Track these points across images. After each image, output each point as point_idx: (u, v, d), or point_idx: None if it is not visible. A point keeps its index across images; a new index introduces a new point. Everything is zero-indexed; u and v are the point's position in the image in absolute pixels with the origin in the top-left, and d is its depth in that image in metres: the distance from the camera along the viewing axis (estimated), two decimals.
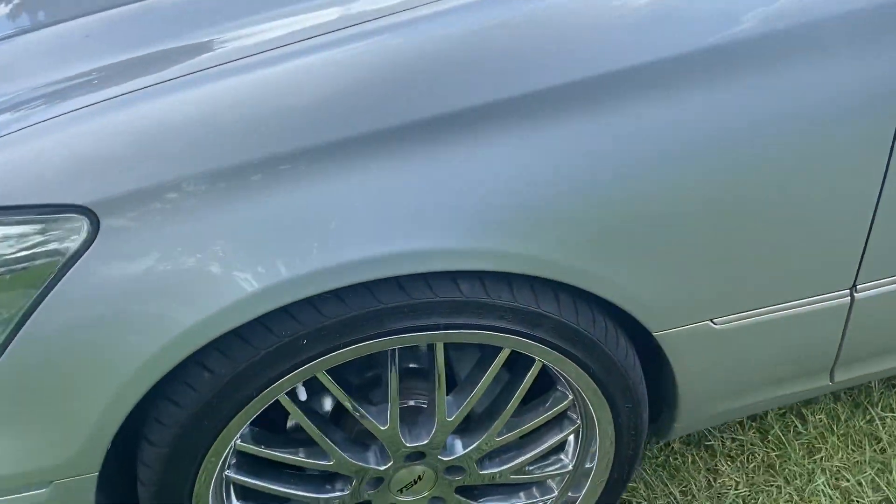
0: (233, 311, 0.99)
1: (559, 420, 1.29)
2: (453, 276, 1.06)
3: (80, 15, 1.17)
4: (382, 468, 1.22)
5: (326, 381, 1.10)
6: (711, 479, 1.62)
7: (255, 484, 1.19)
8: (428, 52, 0.99)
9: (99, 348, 1.00)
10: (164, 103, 0.98)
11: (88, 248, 0.96)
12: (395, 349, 1.11)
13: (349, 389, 1.15)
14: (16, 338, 0.97)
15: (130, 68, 1.06)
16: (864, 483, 1.58)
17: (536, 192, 1.02)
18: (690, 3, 1.02)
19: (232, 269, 0.98)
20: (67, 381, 1.01)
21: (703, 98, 1.03)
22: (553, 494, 1.37)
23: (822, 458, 1.63)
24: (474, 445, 1.23)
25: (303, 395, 1.16)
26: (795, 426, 1.70)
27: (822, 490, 1.57)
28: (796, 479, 1.60)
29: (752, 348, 1.27)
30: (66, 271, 0.96)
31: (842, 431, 1.68)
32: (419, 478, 1.25)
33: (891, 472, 1.59)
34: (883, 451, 1.64)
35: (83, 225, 0.96)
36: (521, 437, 1.27)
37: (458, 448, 1.24)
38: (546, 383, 1.26)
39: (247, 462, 1.20)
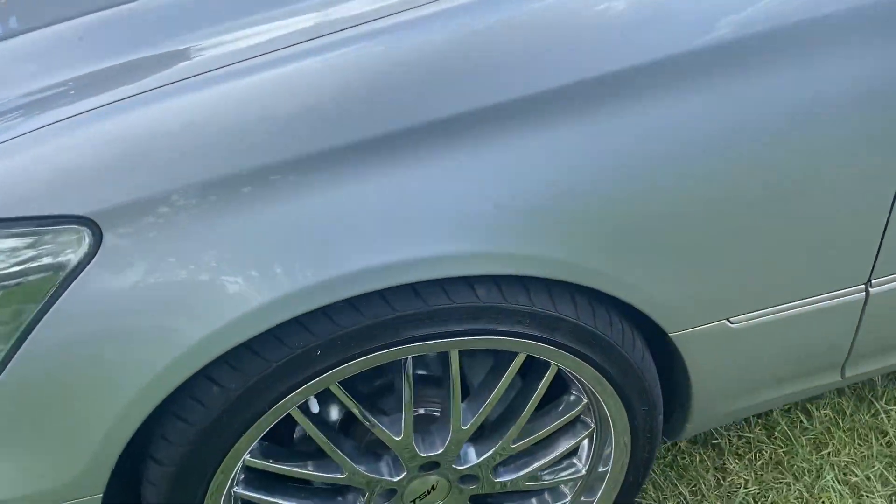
0: (243, 323, 0.96)
1: (573, 424, 1.27)
2: (469, 282, 1.03)
3: (69, 17, 1.12)
4: (396, 479, 1.18)
5: (340, 393, 1.07)
6: (720, 478, 1.61)
7: (265, 500, 1.16)
8: (432, 54, 0.96)
9: (104, 365, 0.96)
10: (161, 110, 0.94)
11: (91, 260, 0.92)
12: (408, 357, 1.08)
13: (358, 399, 1.12)
14: (16, 354, 0.93)
15: (125, 73, 1.02)
16: (872, 478, 1.57)
17: (553, 194, 1.00)
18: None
19: (242, 280, 0.95)
20: (71, 400, 0.97)
21: (715, 95, 1.01)
22: (566, 500, 1.35)
23: (829, 453, 1.63)
24: (490, 453, 1.20)
25: (315, 408, 1.13)
26: (801, 422, 1.69)
27: (832, 486, 1.56)
28: (805, 475, 1.59)
29: (766, 346, 1.25)
30: (68, 285, 0.92)
31: (847, 426, 1.67)
32: (432, 488, 1.22)
33: None
34: (889, 444, 1.64)
35: (85, 237, 0.92)
36: (534, 444, 1.24)
37: (473, 456, 1.21)
38: (558, 387, 1.23)
39: (255, 477, 1.16)
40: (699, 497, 1.58)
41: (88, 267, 0.92)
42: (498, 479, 1.25)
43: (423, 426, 1.19)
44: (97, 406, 0.98)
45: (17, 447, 0.99)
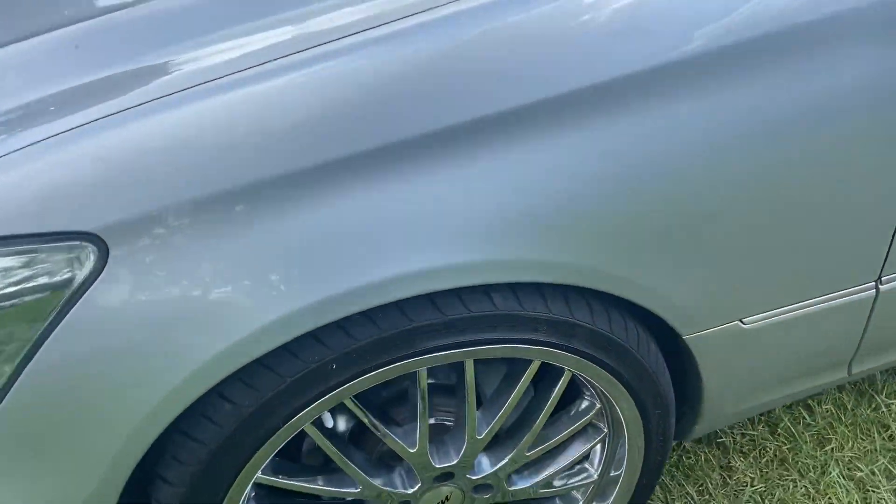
0: (257, 338, 0.93)
1: (585, 429, 1.25)
2: (486, 290, 1.01)
3: (61, 25, 1.08)
4: (410, 491, 1.16)
5: (354, 407, 1.04)
6: (727, 477, 1.60)
7: None
8: (432, 63, 0.94)
9: (113, 385, 0.92)
10: (164, 122, 0.91)
11: (97, 277, 0.89)
12: (423, 368, 1.05)
13: (368, 409, 1.09)
14: (21, 375, 0.90)
15: (122, 84, 0.98)
16: (877, 472, 1.58)
17: (568, 200, 0.98)
18: None
19: (255, 294, 0.92)
20: (79, 421, 0.94)
21: (723, 97, 1.00)
22: None
23: (833, 448, 1.63)
24: (505, 461, 1.18)
25: (329, 423, 1.10)
26: (804, 418, 1.69)
27: (838, 482, 1.56)
28: (810, 471, 1.59)
29: (777, 346, 1.25)
30: (75, 303, 0.89)
31: (849, 421, 1.68)
32: (446, 499, 1.20)
33: None
34: (892, 438, 1.65)
35: (90, 253, 0.88)
36: (548, 450, 1.23)
37: (487, 465, 1.19)
38: (568, 393, 1.21)
39: (265, 493, 1.14)
40: (706, 497, 1.57)
41: (94, 284, 0.89)
42: (513, 487, 1.23)
43: (436, 436, 1.17)
44: (106, 427, 0.95)
45: (24, 469, 0.96)
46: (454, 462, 1.15)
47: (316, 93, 0.92)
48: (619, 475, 1.29)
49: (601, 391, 1.17)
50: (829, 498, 1.54)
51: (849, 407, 1.71)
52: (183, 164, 0.90)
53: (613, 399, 1.18)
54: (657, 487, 1.57)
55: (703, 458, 1.63)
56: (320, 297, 0.93)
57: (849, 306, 1.23)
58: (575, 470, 1.30)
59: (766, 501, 1.55)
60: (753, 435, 1.67)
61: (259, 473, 1.06)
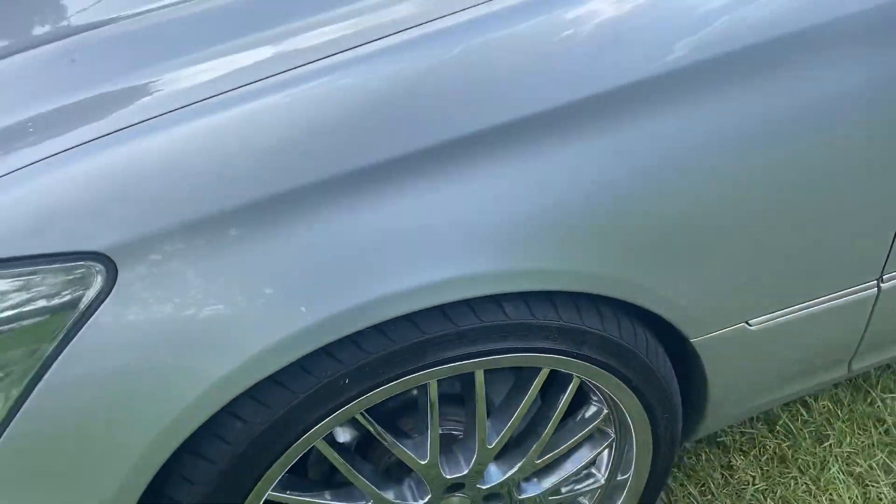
0: (270, 355, 0.91)
1: (593, 434, 1.25)
2: (497, 300, 1.00)
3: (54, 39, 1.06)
4: (421, 503, 1.15)
5: (366, 421, 1.03)
6: (728, 476, 1.61)
7: None
8: (433, 73, 0.93)
9: (123, 406, 0.90)
10: (168, 140, 0.89)
11: (106, 297, 0.87)
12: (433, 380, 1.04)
13: (376, 421, 1.08)
14: (30, 397, 0.87)
15: (119, 100, 0.96)
16: (875, 467, 1.59)
17: (578, 208, 0.98)
18: None
19: (267, 311, 0.90)
20: (88, 443, 0.92)
21: (728, 103, 0.99)
22: None
23: (831, 444, 1.64)
24: (515, 470, 1.17)
25: (341, 438, 1.09)
26: (801, 415, 1.70)
27: (838, 477, 1.57)
28: (810, 468, 1.60)
29: (782, 346, 1.25)
30: (83, 324, 0.87)
31: (846, 416, 1.69)
32: None
33: None
34: (888, 432, 1.66)
35: (98, 273, 0.86)
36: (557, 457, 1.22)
37: (498, 474, 1.18)
38: (575, 398, 1.21)
39: None
40: (709, 497, 1.58)
41: (103, 304, 0.87)
42: (522, 496, 1.22)
43: (444, 446, 1.15)
44: (116, 449, 0.93)
45: (32, 493, 0.93)
46: (465, 472, 1.14)
47: (322, 107, 0.91)
48: (627, 479, 1.29)
49: (609, 396, 1.17)
50: (830, 494, 1.56)
51: (845, 403, 1.72)
52: (190, 182, 0.88)
53: (622, 404, 1.17)
54: None
55: (703, 458, 1.64)
56: (332, 312, 0.92)
57: (851, 305, 1.24)
58: (582, 476, 1.30)
59: (769, 500, 1.56)
60: (752, 433, 1.68)
61: (270, 491, 1.05)
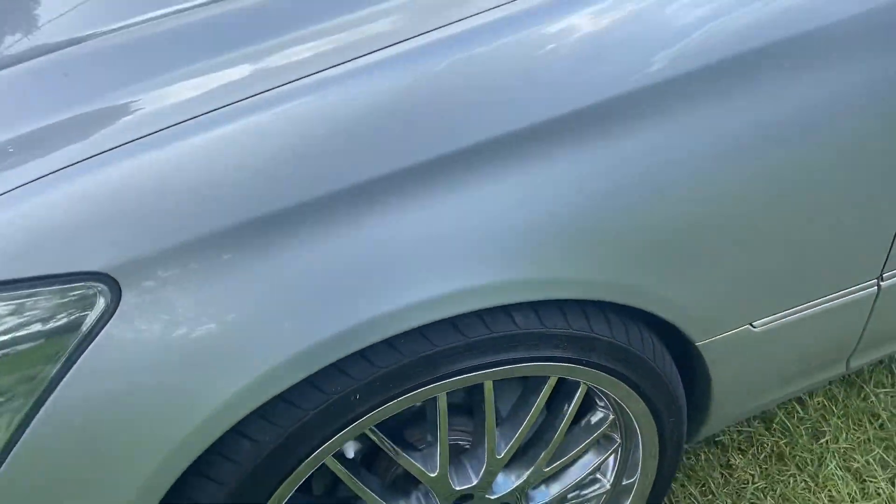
0: (280, 373, 0.89)
1: (598, 440, 1.24)
2: (507, 310, 0.99)
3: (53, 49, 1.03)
4: None
5: (376, 436, 1.01)
6: (727, 475, 1.61)
7: None
8: (426, 88, 0.91)
9: (129, 428, 0.88)
10: (170, 156, 0.86)
11: (110, 318, 0.84)
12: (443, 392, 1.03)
13: (381, 432, 1.07)
14: (33, 422, 0.84)
15: (117, 116, 0.94)
16: (872, 462, 1.60)
17: (585, 216, 0.97)
18: None
19: (276, 328, 0.88)
20: (93, 468, 0.89)
21: (726, 107, 0.99)
22: None
23: (827, 441, 1.65)
24: (524, 478, 1.16)
25: (350, 453, 1.07)
26: (797, 411, 1.71)
27: (836, 473, 1.58)
28: (808, 465, 1.61)
29: (785, 346, 1.26)
30: (87, 345, 0.84)
31: (841, 412, 1.70)
32: None
33: (895, 448, 1.62)
34: (883, 426, 1.68)
35: (101, 294, 0.84)
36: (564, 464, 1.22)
37: (507, 484, 1.17)
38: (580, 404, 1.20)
39: None
40: (710, 496, 1.58)
41: (108, 325, 0.84)
42: None
43: (453, 457, 1.14)
44: (122, 473, 0.90)
45: None
46: (474, 483, 1.13)
47: (327, 120, 0.89)
48: (633, 483, 1.29)
49: (615, 402, 1.17)
50: (829, 490, 1.56)
51: (839, 398, 1.73)
52: (193, 199, 0.86)
53: (629, 409, 1.17)
54: None
55: (703, 458, 1.64)
56: (342, 328, 0.90)
57: (852, 304, 1.25)
58: (588, 481, 1.29)
59: (769, 498, 1.57)
60: (750, 432, 1.68)
61: None
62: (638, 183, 0.98)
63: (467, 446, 1.17)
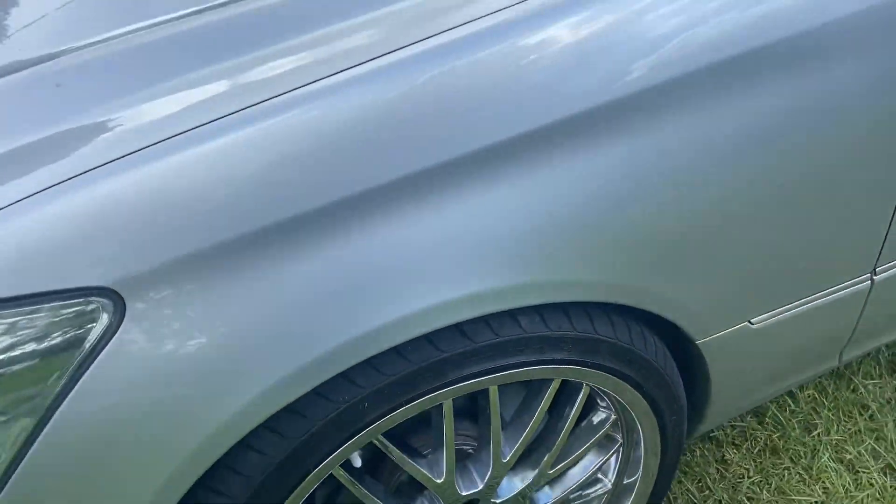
0: (289, 384, 0.89)
1: (600, 440, 1.24)
2: (512, 314, 0.99)
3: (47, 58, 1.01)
4: None
5: (383, 445, 1.01)
6: (723, 470, 1.63)
7: None
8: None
9: (137, 444, 0.86)
10: (169, 168, 0.85)
11: (115, 333, 0.83)
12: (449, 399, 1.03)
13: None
14: (38, 439, 0.83)
15: (110, 128, 0.92)
16: (864, 453, 1.63)
17: (587, 218, 0.97)
18: None
19: (284, 338, 0.87)
20: (100, 483, 0.88)
21: (721, 109, 0.99)
22: None
23: (819, 433, 1.67)
24: (529, 482, 1.16)
25: (357, 463, 1.06)
26: (789, 405, 1.73)
27: (829, 465, 1.60)
28: (801, 457, 1.63)
29: (781, 342, 1.27)
30: (91, 361, 0.83)
31: (832, 404, 1.73)
32: None
33: (886, 439, 1.65)
34: (873, 417, 1.70)
35: (105, 309, 0.82)
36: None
37: (512, 488, 1.17)
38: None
39: None
40: (707, 492, 1.59)
41: (113, 340, 0.83)
42: None
43: (458, 462, 1.14)
44: (130, 489, 0.89)
45: None
46: (480, 488, 1.13)
47: (329, 128, 0.89)
48: (634, 482, 1.29)
49: (618, 402, 1.17)
50: (823, 482, 1.58)
51: (829, 391, 1.75)
52: (195, 210, 0.84)
53: (632, 409, 1.17)
54: None
55: (698, 454, 1.65)
56: (350, 337, 0.89)
57: (846, 298, 1.26)
58: (590, 481, 1.29)
59: (765, 492, 1.58)
60: (743, 426, 1.70)
61: None
62: (637, 186, 0.98)
63: (471, 451, 1.17)
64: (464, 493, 1.12)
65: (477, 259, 0.93)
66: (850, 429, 1.68)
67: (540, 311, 1.01)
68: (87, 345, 0.83)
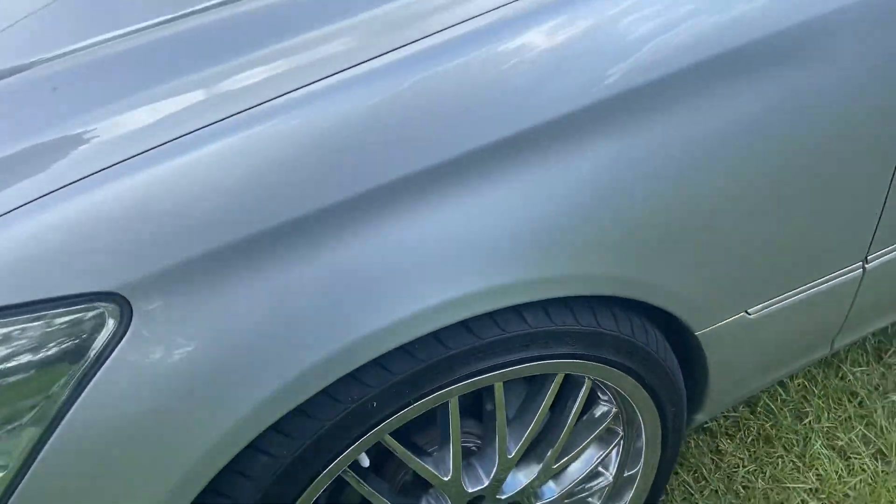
0: (298, 385, 0.88)
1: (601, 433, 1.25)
2: (518, 310, 0.99)
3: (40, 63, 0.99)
4: None
5: (393, 444, 1.01)
6: (718, 460, 1.64)
7: None
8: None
9: (144, 451, 0.86)
10: (170, 171, 0.84)
11: (122, 338, 0.82)
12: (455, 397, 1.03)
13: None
14: (44, 448, 0.82)
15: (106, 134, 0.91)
16: (855, 439, 1.65)
17: (588, 213, 0.97)
18: None
19: (292, 340, 0.87)
20: (106, 492, 0.87)
21: (715, 102, 1.00)
22: None
23: (810, 421, 1.69)
24: (534, 477, 1.17)
25: (366, 462, 1.06)
26: (780, 394, 1.75)
27: (822, 452, 1.62)
28: (794, 445, 1.65)
29: (777, 330, 1.28)
30: (98, 368, 0.82)
31: (821, 392, 1.75)
32: None
33: (875, 425, 1.67)
34: (862, 404, 1.72)
35: (112, 313, 0.81)
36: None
37: (517, 483, 1.17)
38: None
39: None
40: (703, 483, 1.61)
41: (119, 346, 0.82)
42: (539, 502, 1.22)
43: (463, 460, 1.14)
44: (138, 498, 0.88)
45: None
46: (486, 485, 1.13)
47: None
48: (635, 474, 1.30)
49: (619, 395, 1.18)
50: (817, 469, 1.60)
51: (819, 379, 1.78)
52: (198, 213, 0.83)
53: (633, 402, 1.18)
54: None
55: (693, 445, 1.67)
56: (358, 336, 0.89)
57: (839, 287, 1.28)
58: (592, 474, 1.30)
59: (760, 480, 1.60)
60: (736, 417, 1.71)
61: None
62: (635, 183, 0.99)
63: (474, 449, 1.17)
64: (470, 490, 1.12)
65: (484, 257, 0.93)
66: (840, 416, 1.70)
67: (545, 306, 1.01)
68: (94, 351, 0.82)
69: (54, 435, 0.82)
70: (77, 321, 0.81)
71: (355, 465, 1.11)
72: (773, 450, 1.65)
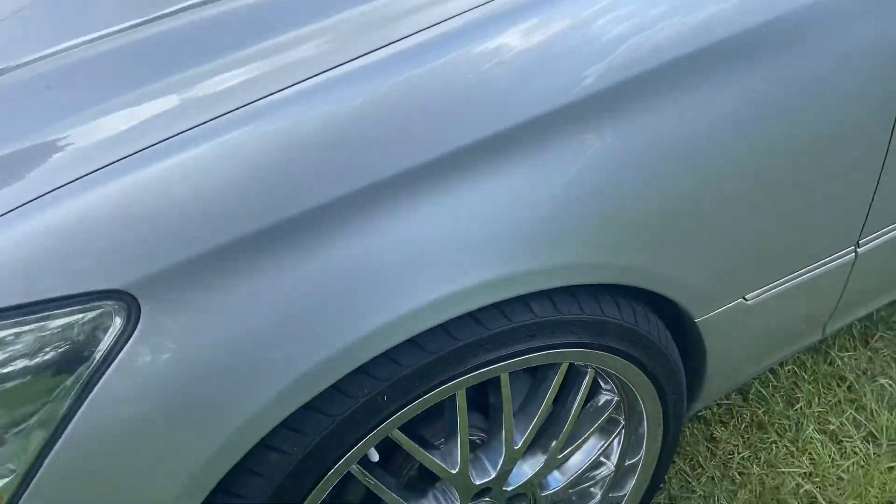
0: (308, 380, 0.87)
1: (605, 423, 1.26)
2: (524, 300, 0.99)
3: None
4: None
5: (402, 438, 1.00)
6: (713, 448, 1.66)
7: None
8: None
9: (154, 451, 0.85)
10: (172, 167, 0.83)
11: (130, 337, 0.81)
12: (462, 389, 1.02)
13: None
14: (53, 449, 0.81)
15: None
16: (846, 423, 1.67)
17: (591, 201, 0.98)
18: None
19: (301, 335, 0.86)
20: (116, 493, 0.86)
21: (713, 92, 1.01)
22: (595, 500, 1.34)
23: (802, 406, 1.71)
24: (540, 467, 1.17)
25: (375, 457, 1.05)
26: (771, 381, 1.77)
27: (814, 437, 1.64)
28: (787, 431, 1.67)
29: (772, 316, 1.30)
30: (106, 368, 0.81)
31: (811, 377, 1.77)
32: None
33: (865, 408, 1.70)
34: (851, 388, 1.75)
35: (119, 312, 0.80)
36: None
37: (523, 474, 1.17)
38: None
39: None
40: (699, 470, 1.62)
41: (128, 346, 0.81)
42: (545, 492, 1.22)
43: (470, 453, 1.14)
44: (147, 498, 0.87)
45: None
46: (493, 476, 1.13)
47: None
48: (637, 463, 1.31)
49: (621, 383, 1.18)
50: (810, 453, 1.62)
51: (808, 365, 1.80)
52: (204, 210, 0.83)
53: (635, 390, 1.19)
54: None
55: (688, 433, 1.68)
56: (367, 331, 0.88)
57: (831, 272, 1.30)
58: (595, 463, 1.31)
59: (755, 466, 1.61)
60: (729, 404, 1.73)
61: None
62: (630, 174, 0.99)
63: (479, 442, 1.17)
64: (477, 483, 1.12)
65: (490, 248, 0.93)
66: (830, 400, 1.73)
67: (550, 295, 1.01)
68: (100, 352, 0.81)
69: (62, 437, 0.81)
70: (83, 321, 0.80)
71: (363, 461, 1.11)
72: (766, 436, 1.67)
